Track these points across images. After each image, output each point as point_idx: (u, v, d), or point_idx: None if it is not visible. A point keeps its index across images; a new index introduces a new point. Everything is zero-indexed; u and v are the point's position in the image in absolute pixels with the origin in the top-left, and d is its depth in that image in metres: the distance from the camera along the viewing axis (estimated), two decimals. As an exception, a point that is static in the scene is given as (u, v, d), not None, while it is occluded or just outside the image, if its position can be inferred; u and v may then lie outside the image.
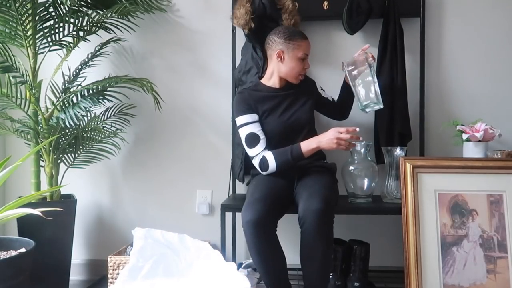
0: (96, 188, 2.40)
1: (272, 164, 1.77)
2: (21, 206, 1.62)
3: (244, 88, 1.96)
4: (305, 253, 1.60)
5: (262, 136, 1.82)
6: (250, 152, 1.83)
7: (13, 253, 1.66)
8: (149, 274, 1.58)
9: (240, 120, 1.85)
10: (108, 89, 2.16)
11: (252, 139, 1.81)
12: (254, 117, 1.85)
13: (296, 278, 1.98)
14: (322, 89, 2.03)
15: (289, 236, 1.92)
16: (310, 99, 1.94)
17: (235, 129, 2.15)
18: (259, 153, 1.81)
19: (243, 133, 1.84)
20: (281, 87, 1.92)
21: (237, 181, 2.25)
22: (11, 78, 1.93)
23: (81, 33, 2.14)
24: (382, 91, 2.11)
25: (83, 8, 2.18)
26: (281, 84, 1.92)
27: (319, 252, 1.56)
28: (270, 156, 1.78)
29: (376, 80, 1.81)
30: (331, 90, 2.26)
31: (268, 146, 1.83)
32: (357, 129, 1.71)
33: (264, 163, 1.79)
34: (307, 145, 1.75)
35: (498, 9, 2.20)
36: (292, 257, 1.72)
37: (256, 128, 1.83)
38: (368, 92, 1.82)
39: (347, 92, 1.99)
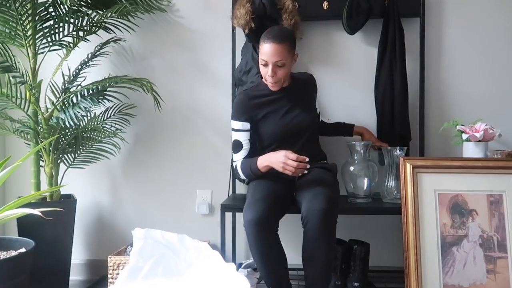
0: (96, 188, 2.40)
1: (241, 173, 1.85)
2: (21, 206, 1.62)
3: (245, 90, 1.93)
4: (307, 253, 1.60)
5: (245, 146, 1.85)
6: (233, 156, 1.91)
7: (13, 253, 1.66)
8: (149, 275, 1.58)
9: (233, 124, 1.88)
10: (108, 89, 2.16)
11: (236, 146, 1.87)
12: (245, 125, 1.85)
13: (296, 278, 1.98)
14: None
15: (289, 236, 1.92)
16: (312, 100, 1.95)
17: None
18: (237, 160, 1.88)
19: (232, 136, 1.89)
20: (285, 85, 1.88)
21: (237, 181, 2.25)
22: (11, 78, 1.93)
23: (81, 33, 2.14)
24: (382, 92, 2.13)
25: (83, 8, 2.18)
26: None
27: (321, 252, 1.56)
28: (239, 165, 1.85)
29: None
30: (331, 90, 2.26)
31: (250, 155, 1.86)
32: (307, 159, 1.66)
33: (236, 170, 1.87)
34: (261, 162, 1.76)
35: (498, 9, 2.20)
36: (292, 257, 1.72)
37: (243, 137, 1.85)
38: None
39: (342, 132, 2.12)
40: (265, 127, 1.85)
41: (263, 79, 1.88)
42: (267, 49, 1.71)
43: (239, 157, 1.87)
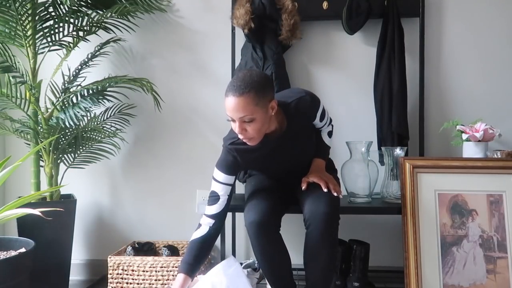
0: (96, 188, 2.40)
1: (189, 243, 1.61)
2: (21, 206, 1.62)
3: (234, 143, 1.61)
4: (309, 255, 1.59)
5: (221, 202, 1.60)
6: (206, 208, 1.63)
7: (13, 253, 1.66)
8: None
9: (215, 172, 1.63)
10: (108, 89, 2.16)
11: (212, 198, 1.62)
12: (229, 179, 1.61)
13: (296, 278, 1.98)
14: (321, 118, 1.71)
15: (289, 236, 1.91)
16: (310, 133, 1.72)
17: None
18: (206, 215, 1.61)
19: (212, 185, 1.64)
20: (278, 134, 1.61)
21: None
22: (11, 78, 1.93)
23: (81, 33, 2.14)
24: (381, 91, 2.13)
25: (83, 8, 2.18)
26: (274, 133, 1.61)
27: (323, 255, 1.55)
28: (194, 236, 1.60)
29: None
30: (330, 90, 2.26)
31: (224, 211, 1.62)
32: None
33: (197, 228, 1.63)
34: (178, 277, 1.56)
35: (498, 9, 2.20)
36: (292, 257, 1.72)
37: (222, 191, 1.61)
38: None
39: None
40: (261, 171, 1.78)
41: None
42: (228, 104, 1.43)
43: (210, 212, 1.60)
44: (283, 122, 1.60)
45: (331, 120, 1.81)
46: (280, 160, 1.67)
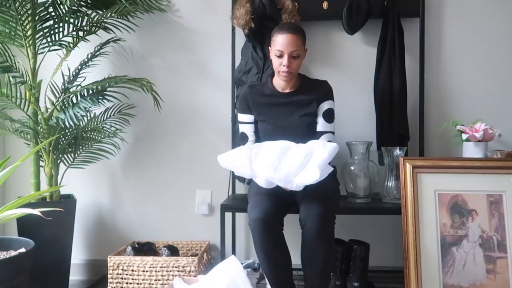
0: (96, 188, 2.40)
1: None
2: (21, 206, 1.62)
3: (252, 85, 1.95)
4: (306, 255, 1.60)
5: (251, 138, 1.88)
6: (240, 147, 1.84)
7: (13, 253, 1.67)
8: None
9: (239, 116, 1.91)
10: (108, 89, 2.16)
11: (242, 138, 1.90)
12: (250, 118, 1.87)
13: (296, 278, 1.98)
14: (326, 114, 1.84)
15: (289, 236, 1.92)
16: (309, 114, 1.83)
17: (235, 129, 2.16)
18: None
19: (239, 128, 1.92)
20: (288, 91, 1.84)
21: (236, 181, 2.25)
22: (11, 78, 1.93)
23: (80, 33, 2.14)
24: (381, 91, 2.13)
25: (83, 8, 2.18)
26: (286, 87, 1.84)
27: (320, 254, 1.56)
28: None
29: None
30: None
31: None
32: None
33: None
34: None
35: (498, 9, 2.20)
36: (292, 257, 1.72)
37: (248, 129, 1.88)
38: None
39: None
40: (261, 127, 1.86)
41: (276, 73, 1.81)
42: (283, 39, 1.72)
43: None
44: (296, 85, 1.84)
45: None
46: (277, 120, 1.81)
